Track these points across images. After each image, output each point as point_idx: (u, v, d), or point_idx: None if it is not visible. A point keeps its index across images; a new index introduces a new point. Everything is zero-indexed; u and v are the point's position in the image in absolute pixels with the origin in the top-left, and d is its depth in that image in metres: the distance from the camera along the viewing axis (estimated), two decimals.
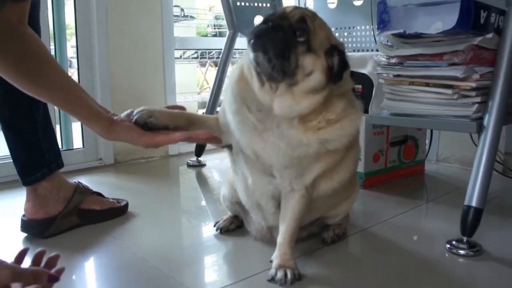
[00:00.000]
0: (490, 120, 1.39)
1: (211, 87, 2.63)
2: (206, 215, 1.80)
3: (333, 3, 2.58)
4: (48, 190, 1.49)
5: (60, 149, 1.61)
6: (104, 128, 1.18)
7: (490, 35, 1.48)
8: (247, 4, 2.65)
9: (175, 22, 3.08)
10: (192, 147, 2.64)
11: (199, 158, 2.58)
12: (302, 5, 2.66)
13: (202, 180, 2.37)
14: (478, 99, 1.48)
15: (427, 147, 2.43)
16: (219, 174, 2.42)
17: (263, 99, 1.12)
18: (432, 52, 1.54)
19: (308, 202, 1.24)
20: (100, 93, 2.47)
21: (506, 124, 1.54)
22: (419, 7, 1.58)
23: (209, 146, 2.58)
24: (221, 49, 2.65)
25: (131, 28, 2.61)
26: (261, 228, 1.41)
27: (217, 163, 2.62)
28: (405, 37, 1.62)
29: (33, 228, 1.49)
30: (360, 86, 2.03)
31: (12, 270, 0.90)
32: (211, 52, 3.73)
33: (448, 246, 1.38)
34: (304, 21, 1.09)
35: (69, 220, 1.53)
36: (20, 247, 1.03)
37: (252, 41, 1.07)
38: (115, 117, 1.20)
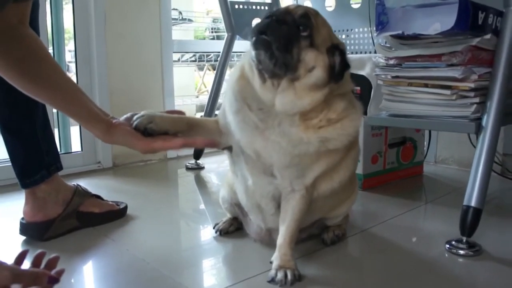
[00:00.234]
0: (488, 121, 1.40)
1: (210, 90, 2.63)
2: (205, 218, 1.80)
3: (331, 6, 2.59)
4: (47, 193, 1.49)
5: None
6: (102, 131, 1.18)
7: (488, 36, 1.49)
8: (245, 7, 2.66)
9: (173, 25, 3.08)
10: (190, 150, 2.63)
11: (198, 161, 2.58)
12: None
13: (200, 182, 2.37)
14: (477, 100, 1.48)
15: (425, 148, 2.43)
16: (218, 176, 2.41)
17: (264, 96, 1.12)
18: (430, 53, 1.55)
19: (308, 203, 1.24)
20: (99, 96, 2.47)
21: (505, 124, 1.55)
22: (417, 8, 1.58)
23: (207, 149, 2.58)
24: (219, 52, 2.65)
25: (129, 31, 2.61)
26: (260, 230, 1.41)
27: (215, 166, 2.62)
28: (403, 38, 1.63)
29: (32, 231, 1.48)
30: (358, 88, 2.03)
31: (12, 272, 0.90)
32: (209, 55, 3.73)
33: (448, 246, 1.38)
34: (307, 16, 1.11)
35: (68, 222, 1.53)
36: (19, 250, 1.03)
37: (254, 38, 1.08)
38: (114, 121, 1.20)
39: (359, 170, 1.98)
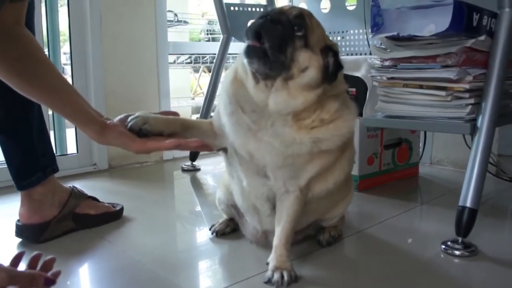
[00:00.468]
0: (483, 121, 1.40)
1: (205, 92, 2.63)
2: (201, 219, 1.80)
3: (326, 8, 2.60)
4: (43, 195, 1.49)
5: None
6: (96, 132, 1.18)
7: (482, 37, 1.50)
8: (240, 8, 2.67)
9: (168, 27, 3.09)
10: (186, 151, 2.63)
11: (194, 163, 2.58)
12: None
13: (196, 184, 2.37)
14: (472, 101, 1.49)
15: (421, 150, 2.44)
16: (214, 178, 2.41)
17: (258, 97, 1.13)
18: (425, 54, 1.55)
19: (303, 204, 1.24)
20: (95, 98, 2.47)
21: (499, 125, 1.56)
22: (412, 9, 1.59)
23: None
24: (214, 54, 2.65)
25: (125, 33, 2.60)
26: (256, 232, 1.41)
27: (211, 168, 2.62)
28: (398, 40, 1.63)
29: (28, 233, 1.48)
30: (354, 89, 2.04)
31: (8, 273, 0.90)
32: (205, 57, 3.74)
33: (443, 247, 1.39)
34: (302, 17, 1.12)
35: (64, 224, 1.52)
36: (15, 252, 1.03)
37: (245, 47, 1.09)
38: (108, 122, 1.20)
39: (355, 171, 1.98)
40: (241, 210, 1.40)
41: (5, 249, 1.46)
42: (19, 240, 1.49)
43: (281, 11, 1.13)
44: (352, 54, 2.49)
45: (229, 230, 1.53)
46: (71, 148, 2.54)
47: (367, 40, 2.38)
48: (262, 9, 2.74)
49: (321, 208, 1.36)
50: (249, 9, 2.71)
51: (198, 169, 2.55)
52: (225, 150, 1.30)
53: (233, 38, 2.60)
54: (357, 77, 1.99)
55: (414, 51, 1.58)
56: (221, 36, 2.62)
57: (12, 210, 1.55)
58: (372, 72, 1.72)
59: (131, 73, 2.66)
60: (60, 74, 1.21)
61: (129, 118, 1.21)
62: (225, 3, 2.57)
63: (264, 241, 1.39)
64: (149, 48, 2.72)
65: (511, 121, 1.68)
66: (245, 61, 1.10)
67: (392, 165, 2.20)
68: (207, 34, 4.79)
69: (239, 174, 1.27)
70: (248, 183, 1.26)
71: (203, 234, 1.58)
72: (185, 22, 4.35)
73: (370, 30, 1.77)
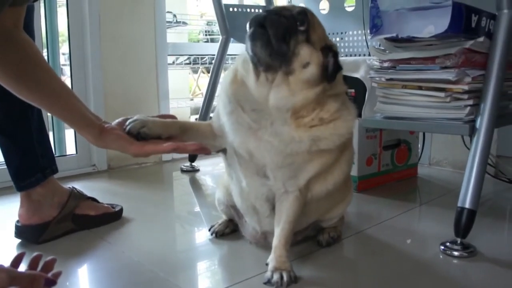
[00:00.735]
0: (482, 122, 1.40)
1: (204, 93, 2.63)
2: (200, 220, 1.80)
3: (325, 9, 2.61)
4: (42, 196, 1.49)
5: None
6: (94, 136, 1.18)
7: (481, 39, 1.50)
8: (239, 9, 2.67)
9: (167, 28, 3.09)
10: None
11: (193, 164, 2.58)
12: None
13: (195, 185, 2.37)
14: (471, 102, 1.49)
15: (419, 151, 2.44)
16: (213, 179, 2.42)
17: (258, 93, 1.13)
18: (424, 55, 1.56)
19: (302, 204, 1.24)
20: (93, 99, 2.47)
21: (498, 126, 1.56)
22: (411, 11, 1.59)
23: None
24: (213, 55, 2.66)
25: (124, 34, 2.61)
26: (255, 232, 1.41)
27: (210, 169, 2.62)
28: (397, 41, 1.64)
29: (27, 233, 1.48)
30: (353, 90, 2.04)
31: (9, 274, 0.90)
32: (204, 58, 3.73)
33: (442, 247, 1.39)
34: (305, 13, 1.13)
35: (63, 225, 1.52)
36: (15, 253, 1.03)
37: (251, 29, 1.09)
38: (106, 125, 1.20)
39: (354, 172, 1.99)
40: (240, 211, 1.40)
41: (4, 249, 1.46)
42: (19, 240, 1.49)
43: (284, 7, 1.16)
44: (351, 55, 2.49)
45: (229, 231, 1.53)
46: (70, 149, 2.54)
47: (366, 41, 2.38)
48: (261, 10, 2.74)
49: (321, 208, 1.37)
50: (248, 10, 2.71)
51: (197, 170, 2.55)
52: (224, 151, 1.30)
53: (232, 39, 2.60)
54: (356, 78, 2.00)
55: (413, 52, 1.58)
56: (220, 37, 2.62)
57: (12, 210, 1.55)
58: (371, 73, 1.73)
59: (130, 73, 2.66)
60: (58, 78, 1.21)
61: (128, 122, 1.21)
62: (224, 4, 2.58)
63: (264, 241, 1.39)
64: (148, 49, 2.72)
65: (510, 122, 1.68)
66: (248, 44, 1.10)
67: (391, 166, 2.20)
68: (206, 35, 4.79)
69: (239, 174, 1.27)
70: (248, 183, 1.26)
71: (203, 235, 1.58)
72: (184, 23, 4.34)
73: (369, 31, 1.77)
